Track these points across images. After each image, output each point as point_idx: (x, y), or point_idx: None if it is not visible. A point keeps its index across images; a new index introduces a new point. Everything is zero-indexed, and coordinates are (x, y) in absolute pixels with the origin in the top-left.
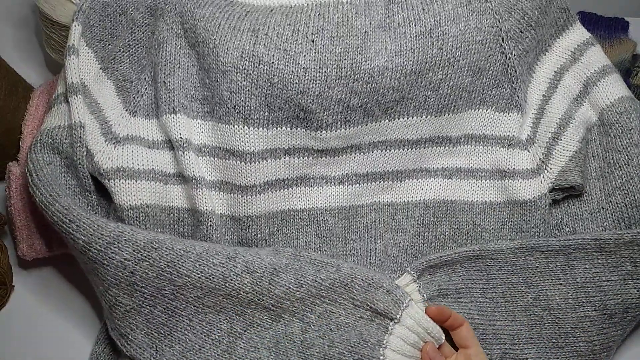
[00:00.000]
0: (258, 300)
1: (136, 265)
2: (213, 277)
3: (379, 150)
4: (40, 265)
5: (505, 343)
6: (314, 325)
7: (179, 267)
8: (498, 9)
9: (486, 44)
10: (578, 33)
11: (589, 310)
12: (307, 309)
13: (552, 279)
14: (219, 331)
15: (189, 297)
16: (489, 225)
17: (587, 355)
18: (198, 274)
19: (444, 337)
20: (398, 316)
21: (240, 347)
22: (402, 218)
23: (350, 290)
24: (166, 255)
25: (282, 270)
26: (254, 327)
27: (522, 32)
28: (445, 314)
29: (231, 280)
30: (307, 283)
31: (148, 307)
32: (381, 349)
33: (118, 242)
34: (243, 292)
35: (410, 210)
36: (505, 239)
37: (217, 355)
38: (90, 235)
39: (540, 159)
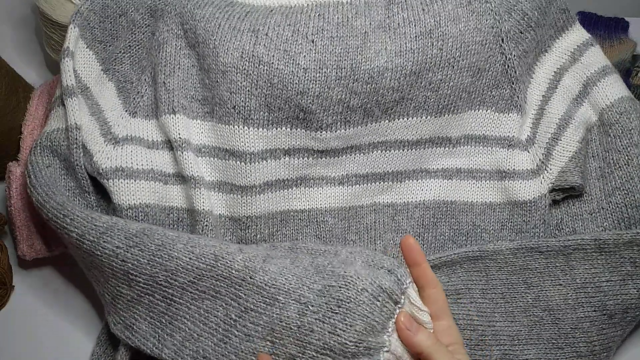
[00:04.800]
0: (251, 278)
1: (127, 252)
2: (204, 257)
3: (379, 151)
4: (40, 265)
5: (504, 344)
6: (312, 306)
7: (170, 250)
8: (498, 10)
9: (486, 44)
10: (578, 34)
11: (588, 311)
12: (304, 287)
13: (551, 280)
14: (216, 318)
15: (183, 282)
16: (489, 226)
17: (587, 355)
18: (189, 254)
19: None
20: (402, 300)
21: (235, 337)
22: (402, 219)
23: (352, 264)
24: (157, 239)
25: (277, 256)
26: (248, 312)
27: (521, 33)
28: (419, 256)
29: (222, 258)
30: (304, 265)
31: (147, 295)
32: (385, 335)
33: (110, 232)
34: (235, 271)
35: (410, 211)
36: (505, 240)
37: (214, 344)
38: (84, 227)
39: (540, 159)
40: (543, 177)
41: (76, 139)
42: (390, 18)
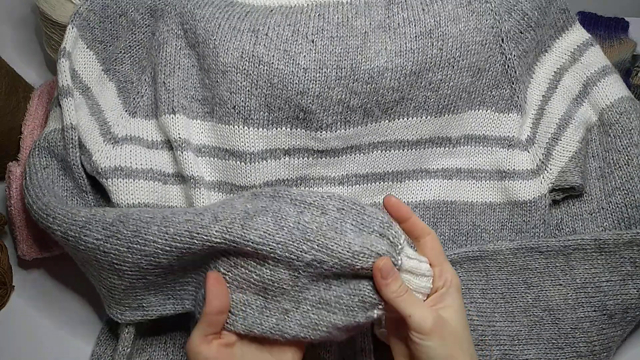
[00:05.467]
0: (234, 250)
1: (106, 243)
2: (178, 236)
3: (379, 151)
4: (40, 265)
5: (504, 344)
6: (303, 272)
7: (145, 234)
8: (498, 10)
9: (486, 44)
10: (578, 34)
11: (588, 311)
12: (292, 255)
13: (551, 280)
14: (207, 268)
15: (168, 261)
16: (489, 226)
17: (587, 355)
18: (163, 235)
19: (432, 275)
20: (399, 262)
21: (227, 285)
22: None
23: (343, 234)
24: (132, 225)
25: (258, 213)
26: (237, 268)
27: (521, 33)
28: (404, 212)
29: (197, 234)
30: (289, 225)
31: (139, 280)
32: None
33: (89, 225)
34: (214, 244)
35: None
36: (505, 240)
37: None
38: (65, 224)
39: (540, 159)
40: (543, 177)
41: (72, 138)
42: (390, 18)
